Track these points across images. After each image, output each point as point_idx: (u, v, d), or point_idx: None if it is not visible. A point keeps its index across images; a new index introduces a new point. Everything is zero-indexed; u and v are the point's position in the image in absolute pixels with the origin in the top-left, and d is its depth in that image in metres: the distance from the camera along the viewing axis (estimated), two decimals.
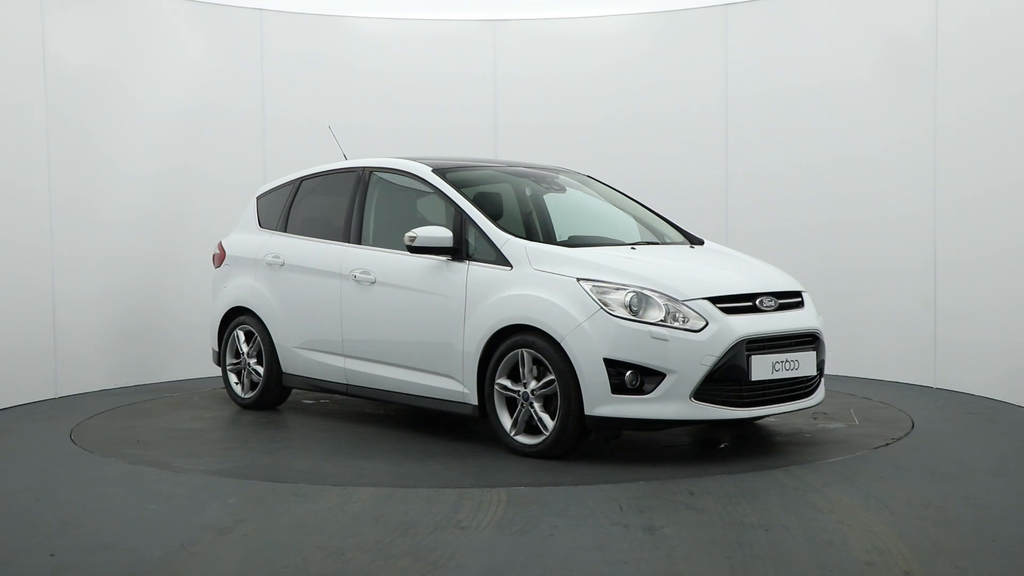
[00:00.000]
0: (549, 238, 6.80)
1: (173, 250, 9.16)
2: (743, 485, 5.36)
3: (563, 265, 6.05)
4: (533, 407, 5.98)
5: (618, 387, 5.72)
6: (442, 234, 6.39)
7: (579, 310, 5.82)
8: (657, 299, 5.78)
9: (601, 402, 5.75)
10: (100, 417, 7.46)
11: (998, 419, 7.05)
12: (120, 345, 8.83)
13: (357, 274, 6.94)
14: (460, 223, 6.48)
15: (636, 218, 7.22)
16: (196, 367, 9.29)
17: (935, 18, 8.09)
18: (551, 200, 7.20)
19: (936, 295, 8.20)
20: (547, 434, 5.93)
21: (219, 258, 8.15)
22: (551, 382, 5.89)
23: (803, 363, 6.05)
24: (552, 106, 10.08)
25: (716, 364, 5.71)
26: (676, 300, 5.79)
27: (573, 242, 6.61)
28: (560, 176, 7.44)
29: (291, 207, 7.78)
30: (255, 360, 7.76)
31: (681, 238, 7.00)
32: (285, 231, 7.73)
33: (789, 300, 6.22)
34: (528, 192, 7.13)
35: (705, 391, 5.74)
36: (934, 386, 8.24)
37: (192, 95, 9.27)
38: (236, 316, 7.90)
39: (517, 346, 6.02)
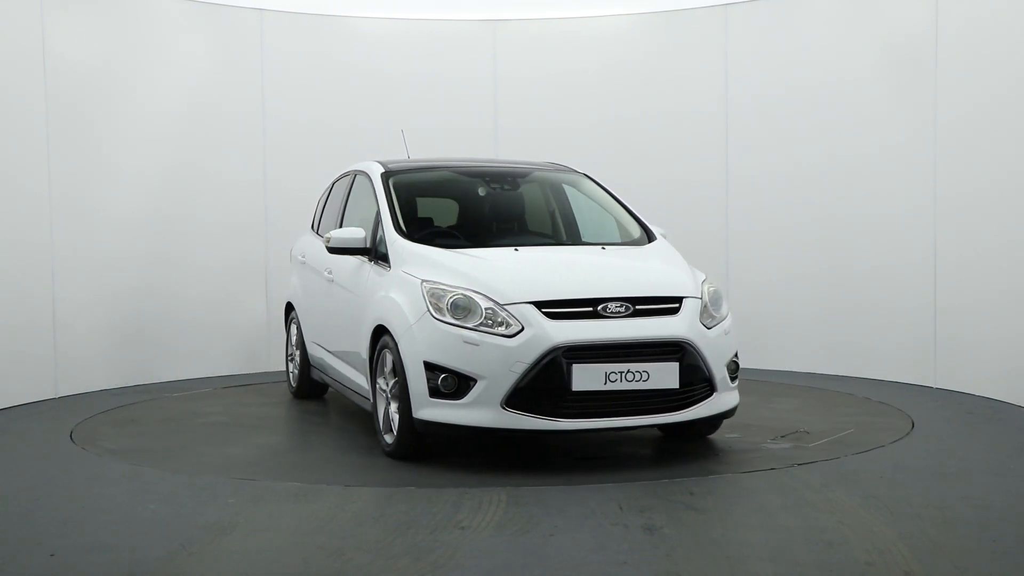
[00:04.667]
0: (484, 238, 6.72)
1: (173, 250, 9.17)
2: (743, 485, 5.36)
3: (420, 266, 6.05)
4: (389, 407, 6.03)
5: (435, 391, 5.65)
6: (354, 235, 6.51)
7: (413, 312, 5.81)
8: (480, 302, 5.66)
9: (422, 405, 5.71)
10: (100, 417, 7.46)
11: (998, 419, 7.04)
12: (120, 345, 8.82)
13: (326, 273, 7.25)
14: (376, 224, 6.59)
15: (584, 214, 7.15)
16: (196, 367, 9.29)
17: (935, 18, 8.09)
18: (501, 198, 7.16)
19: (936, 294, 8.20)
20: (395, 434, 5.97)
21: (292, 257, 8.58)
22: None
23: (657, 374, 5.62)
24: (552, 106, 10.08)
25: (527, 372, 5.49)
26: (499, 304, 5.64)
27: (456, 244, 6.48)
28: (533, 174, 7.35)
29: (323, 209, 8.09)
30: (300, 352, 8.12)
31: (638, 233, 6.80)
32: (317, 232, 8.00)
33: (654, 306, 5.80)
34: (482, 192, 7.14)
35: (519, 399, 5.51)
36: (934, 386, 8.24)
37: (192, 95, 9.27)
38: (291, 311, 8.37)
39: (384, 347, 6.07)
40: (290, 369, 8.42)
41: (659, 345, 5.69)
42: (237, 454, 6.31)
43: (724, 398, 5.99)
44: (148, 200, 8.99)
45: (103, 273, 8.65)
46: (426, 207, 7.06)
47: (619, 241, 6.83)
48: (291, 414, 7.69)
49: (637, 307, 5.74)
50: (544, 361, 5.50)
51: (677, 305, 5.86)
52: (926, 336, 8.31)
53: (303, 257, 7.96)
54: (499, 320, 5.59)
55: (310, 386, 8.04)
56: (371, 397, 6.31)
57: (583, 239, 7.01)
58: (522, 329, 5.56)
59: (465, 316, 5.65)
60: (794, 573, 4.03)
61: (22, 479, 5.74)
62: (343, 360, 6.99)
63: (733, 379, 6.07)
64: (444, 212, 7.19)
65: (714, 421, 6.21)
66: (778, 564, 4.13)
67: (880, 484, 5.32)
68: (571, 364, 5.51)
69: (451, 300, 5.71)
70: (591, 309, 5.67)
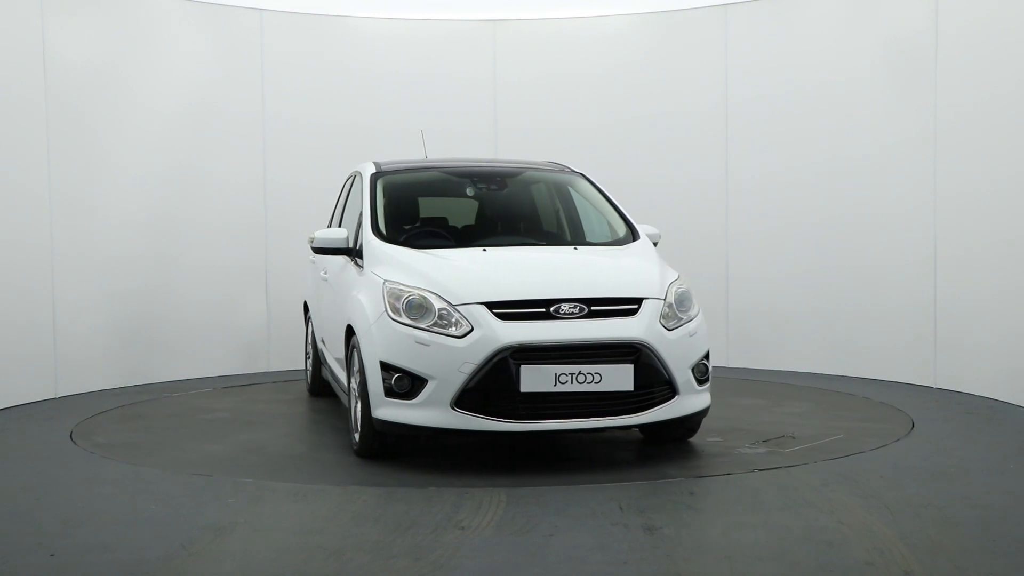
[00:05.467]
0: (466, 238, 6.73)
1: (173, 250, 9.17)
2: (743, 485, 5.35)
3: (387, 267, 6.07)
4: (358, 406, 6.05)
5: (390, 390, 5.66)
6: (336, 235, 6.55)
7: (373, 312, 5.84)
8: (434, 303, 5.66)
9: (379, 404, 5.72)
10: (100, 417, 7.46)
11: (998, 419, 7.04)
12: (120, 345, 8.83)
13: (322, 273, 7.38)
14: (359, 224, 6.64)
15: (567, 214, 7.12)
16: (196, 367, 9.29)
17: (935, 18, 8.09)
18: (488, 199, 7.20)
19: (936, 295, 8.20)
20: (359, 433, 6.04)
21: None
22: None
23: (610, 376, 5.54)
24: (552, 106, 10.08)
25: (475, 372, 5.47)
26: (451, 304, 5.63)
27: (436, 244, 6.50)
28: (524, 174, 7.33)
29: (335, 208, 8.15)
30: (312, 350, 8.27)
31: (622, 233, 6.72)
32: None
33: (610, 307, 5.72)
34: (470, 192, 7.17)
35: (470, 400, 5.50)
36: (934, 386, 8.24)
37: (192, 95, 9.27)
38: (308, 310, 8.52)
39: (354, 347, 6.11)
40: (307, 366, 8.53)
41: (612, 347, 5.60)
42: (237, 453, 6.30)
43: (688, 401, 5.86)
44: (148, 200, 8.99)
45: (103, 273, 8.65)
46: (412, 207, 7.07)
47: (600, 241, 6.78)
48: (301, 412, 7.68)
49: (592, 308, 5.68)
50: (492, 362, 5.48)
51: (636, 306, 5.77)
52: (926, 336, 8.31)
53: (313, 258, 8.03)
54: (453, 321, 5.60)
55: (322, 383, 8.08)
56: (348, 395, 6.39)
57: (565, 239, 6.93)
58: (471, 330, 5.55)
59: (420, 316, 5.66)
60: (794, 573, 4.03)
61: (22, 479, 5.74)
62: (334, 358, 7.05)
63: (701, 382, 5.95)
64: (431, 212, 7.22)
65: (690, 424, 6.12)
66: (778, 564, 4.13)
67: (880, 484, 5.32)
68: (519, 365, 5.47)
69: (406, 300, 5.72)
70: (544, 310, 5.63)
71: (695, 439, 6.37)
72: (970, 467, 5.73)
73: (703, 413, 6.08)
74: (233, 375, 9.44)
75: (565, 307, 5.65)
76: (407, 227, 6.73)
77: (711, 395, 6.16)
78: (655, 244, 6.77)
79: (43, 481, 5.65)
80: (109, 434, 6.88)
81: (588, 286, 5.82)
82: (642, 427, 5.96)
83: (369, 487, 5.39)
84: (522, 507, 4.94)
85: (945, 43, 8.03)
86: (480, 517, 4.79)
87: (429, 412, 5.56)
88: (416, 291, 5.74)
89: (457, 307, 5.61)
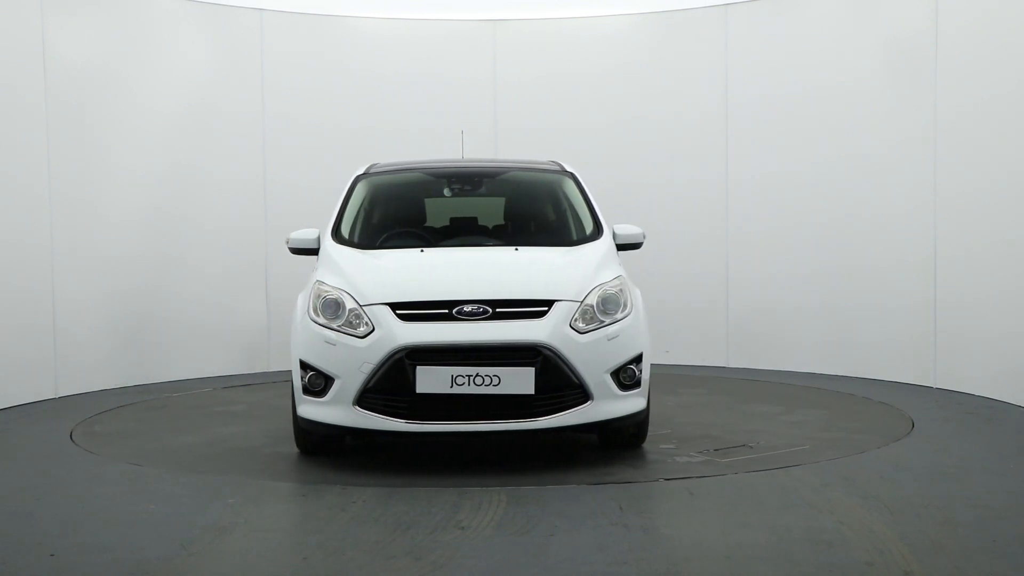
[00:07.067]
0: (428, 239, 6.69)
1: (173, 250, 9.18)
2: (743, 485, 5.35)
3: (325, 268, 6.18)
4: None
5: (306, 388, 5.77)
6: (308, 236, 6.58)
7: (301, 311, 5.99)
8: (347, 303, 5.75)
9: (300, 402, 5.87)
10: (100, 417, 7.47)
11: (998, 419, 7.04)
12: (120, 345, 8.83)
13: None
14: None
15: (539, 214, 7.05)
16: (196, 367, 9.29)
17: (935, 18, 8.10)
18: (463, 200, 7.24)
19: (936, 294, 8.20)
20: None
21: None
22: None
23: (509, 379, 5.46)
24: (552, 106, 10.08)
25: (373, 372, 5.53)
26: (360, 305, 5.71)
27: (374, 244, 6.54)
28: (507, 174, 7.28)
29: None
30: None
31: (588, 232, 6.56)
32: None
33: (516, 309, 5.64)
34: (448, 193, 7.19)
35: (371, 399, 5.58)
36: (934, 386, 8.24)
37: (192, 95, 9.28)
38: None
39: None
40: None
41: (511, 349, 5.54)
42: (237, 453, 6.30)
43: (605, 406, 5.68)
44: (148, 200, 8.99)
45: (103, 273, 8.65)
46: (386, 209, 7.03)
47: (562, 241, 6.60)
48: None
49: (497, 310, 5.63)
50: (388, 362, 5.53)
51: (545, 308, 5.66)
52: (926, 336, 8.31)
53: None
54: (362, 321, 5.67)
55: None
56: None
57: (518, 239, 6.67)
58: (373, 330, 5.61)
59: (334, 316, 5.75)
60: (794, 573, 4.03)
61: (22, 479, 5.74)
62: None
63: (627, 387, 5.75)
64: (404, 213, 7.13)
65: (633, 429, 5.99)
66: (778, 564, 4.13)
67: (880, 484, 5.32)
68: (415, 366, 5.50)
69: (323, 300, 5.83)
70: (447, 311, 5.64)
71: (646, 444, 6.25)
72: (970, 467, 5.73)
73: (631, 418, 5.85)
74: (233, 375, 9.44)
75: (467, 308, 5.64)
76: (369, 229, 6.74)
77: (645, 398, 5.91)
78: (639, 244, 6.60)
79: (43, 481, 5.65)
80: (109, 434, 6.89)
81: (494, 287, 5.78)
82: (596, 432, 5.96)
83: (369, 487, 5.39)
84: (522, 507, 4.95)
85: (945, 43, 8.04)
86: (480, 517, 4.79)
87: (335, 410, 5.67)
88: (334, 291, 5.84)
89: (364, 307, 5.69)
